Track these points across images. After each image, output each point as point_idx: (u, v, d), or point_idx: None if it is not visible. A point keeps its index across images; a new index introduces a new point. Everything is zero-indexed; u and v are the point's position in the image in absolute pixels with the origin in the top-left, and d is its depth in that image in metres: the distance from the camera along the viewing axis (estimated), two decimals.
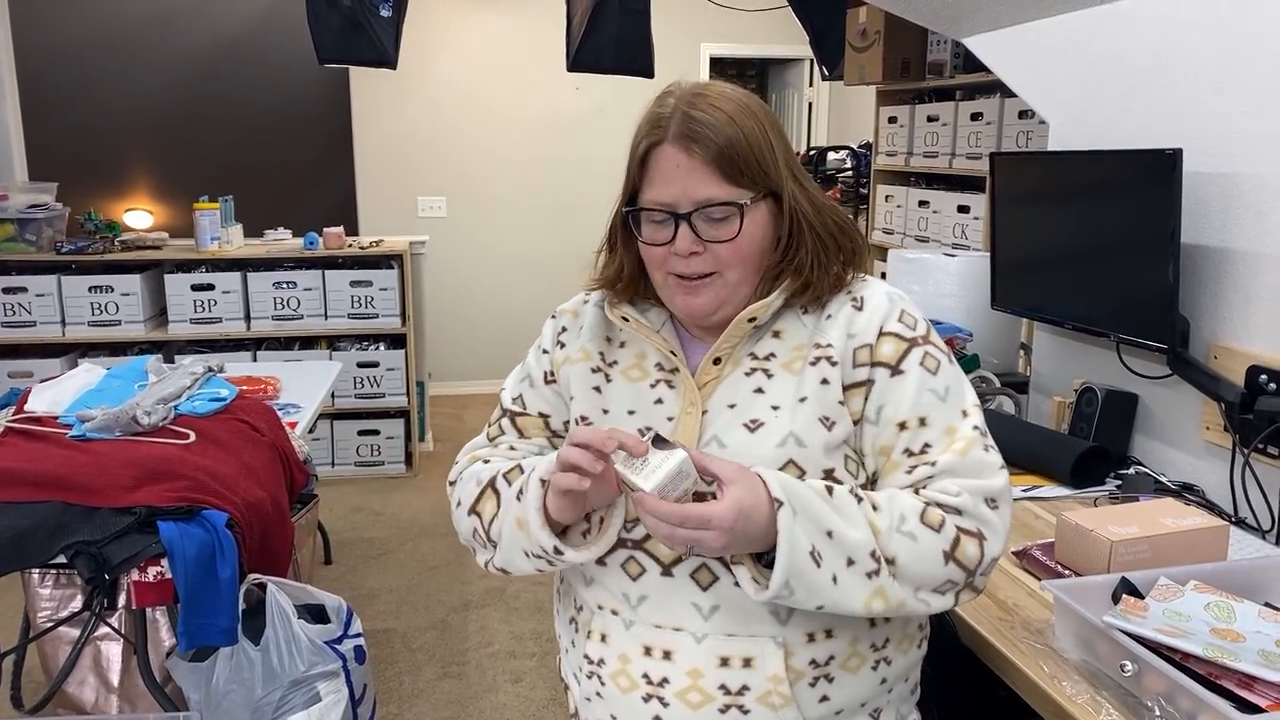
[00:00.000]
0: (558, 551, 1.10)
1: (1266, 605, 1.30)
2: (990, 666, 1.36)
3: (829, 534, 1.01)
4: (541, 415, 1.26)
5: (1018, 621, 1.40)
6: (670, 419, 1.14)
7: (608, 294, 1.23)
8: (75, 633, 2.38)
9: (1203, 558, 1.46)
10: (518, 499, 1.13)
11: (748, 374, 1.13)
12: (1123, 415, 2.03)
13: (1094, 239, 1.98)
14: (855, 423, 1.11)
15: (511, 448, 1.26)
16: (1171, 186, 1.74)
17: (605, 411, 1.18)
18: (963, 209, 3.77)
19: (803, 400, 1.10)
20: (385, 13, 3.93)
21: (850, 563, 1.01)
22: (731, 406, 1.12)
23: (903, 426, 1.10)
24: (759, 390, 1.12)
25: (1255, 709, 1.09)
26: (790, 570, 0.99)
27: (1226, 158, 1.78)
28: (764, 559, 1.04)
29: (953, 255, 2.68)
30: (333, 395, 4.34)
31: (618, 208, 1.19)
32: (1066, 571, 1.49)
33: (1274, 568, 1.41)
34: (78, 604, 2.39)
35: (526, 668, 2.97)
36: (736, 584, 1.07)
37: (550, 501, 1.09)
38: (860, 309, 1.13)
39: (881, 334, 1.11)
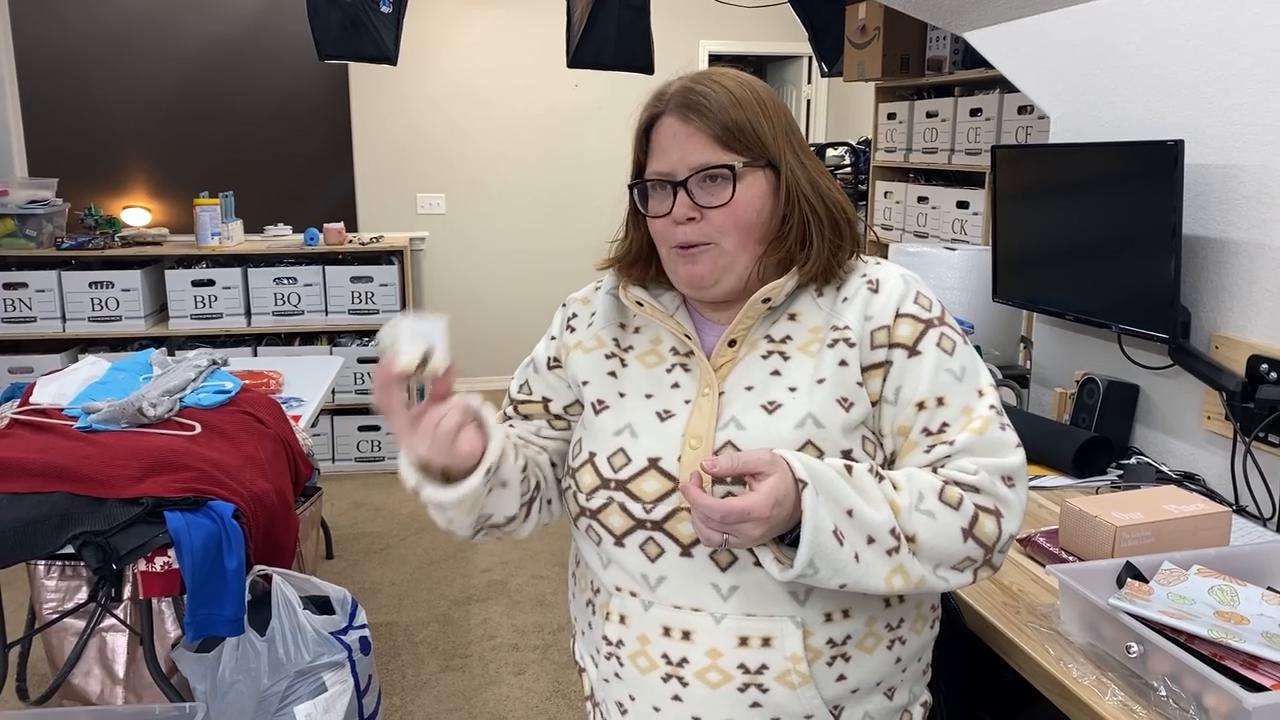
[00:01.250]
0: (417, 492, 1.11)
1: (1269, 589, 1.31)
2: (996, 651, 1.37)
3: (849, 513, 1.02)
4: (544, 399, 1.28)
5: (1023, 606, 1.41)
6: (687, 401, 1.15)
7: (621, 277, 1.24)
8: (81, 624, 2.39)
9: (1205, 543, 1.47)
10: None
11: (764, 356, 1.15)
12: (1124, 405, 2.04)
13: (1095, 231, 2.00)
14: (873, 404, 1.12)
15: (511, 426, 1.29)
16: (1173, 178, 1.76)
17: (621, 395, 1.19)
18: (962, 204, 3.78)
19: (820, 382, 1.11)
20: (386, 9, 3.93)
21: (871, 541, 1.02)
22: (749, 389, 1.13)
23: (921, 406, 1.11)
24: (776, 373, 1.13)
25: (1259, 688, 1.10)
26: (815, 549, 1.00)
27: (1227, 149, 1.80)
28: (786, 539, 1.05)
29: (953, 249, 2.70)
30: (333, 391, 4.34)
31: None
32: (1071, 557, 1.51)
33: (1275, 553, 1.43)
34: (83, 595, 2.40)
35: (529, 660, 2.98)
36: (757, 564, 1.08)
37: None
38: (876, 291, 1.15)
39: (898, 316, 1.13)
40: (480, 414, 1.12)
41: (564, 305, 1.31)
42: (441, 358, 1.05)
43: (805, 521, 0.99)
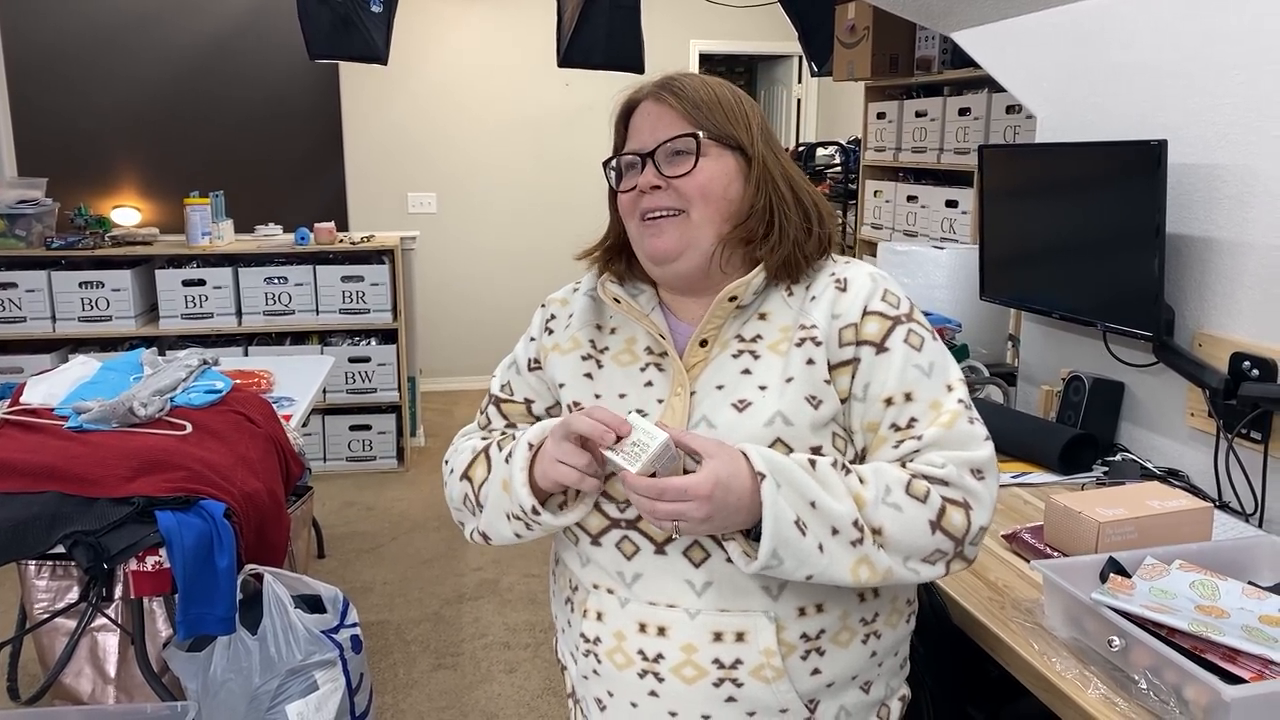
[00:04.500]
0: (535, 513, 1.13)
1: (1249, 583, 1.33)
2: (982, 646, 1.39)
3: (812, 504, 1.04)
4: (526, 401, 1.30)
5: (1008, 602, 1.43)
6: (660, 401, 1.17)
7: (602, 273, 1.27)
8: (72, 624, 2.39)
9: (1188, 538, 1.49)
10: (506, 462, 1.18)
11: (735, 356, 1.16)
12: (1109, 403, 2.06)
13: (1081, 230, 2.01)
14: (843, 401, 1.14)
15: (501, 434, 1.30)
16: (1157, 178, 1.78)
17: (597, 396, 1.21)
18: (951, 204, 3.80)
19: (789, 380, 1.13)
20: (376, 8, 3.93)
21: (835, 532, 1.04)
22: (720, 387, 1.15)
23: (889, 402, 1.13)
24: (746, 371, 1.15)
25: (1239, 680, 1.12)
26: (777, 539, 1.02)
27: (1210, 149, 1.82)
28: (753, 533, 1.07)
29: (941, 248, 2.71)
30: (324, 390, 4.35)
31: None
32: (1055, 553, 1.52)
33: (1256, 548, 1.44)
34: (74, 595, 2.40)
35: (520, 658, 2.99)
36: (728, 559, 1.10)
37: (536, 468, 1.13)
38: (844, 290, 1.16)
39: (866, 313, 1.15)
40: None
41: (543, 306, 1.33)
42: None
43: (765, 513, 1.01)
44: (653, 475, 1.04)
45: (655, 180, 1.16)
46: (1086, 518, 1.48)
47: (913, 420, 1.12)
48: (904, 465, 1.11)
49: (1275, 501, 1.70)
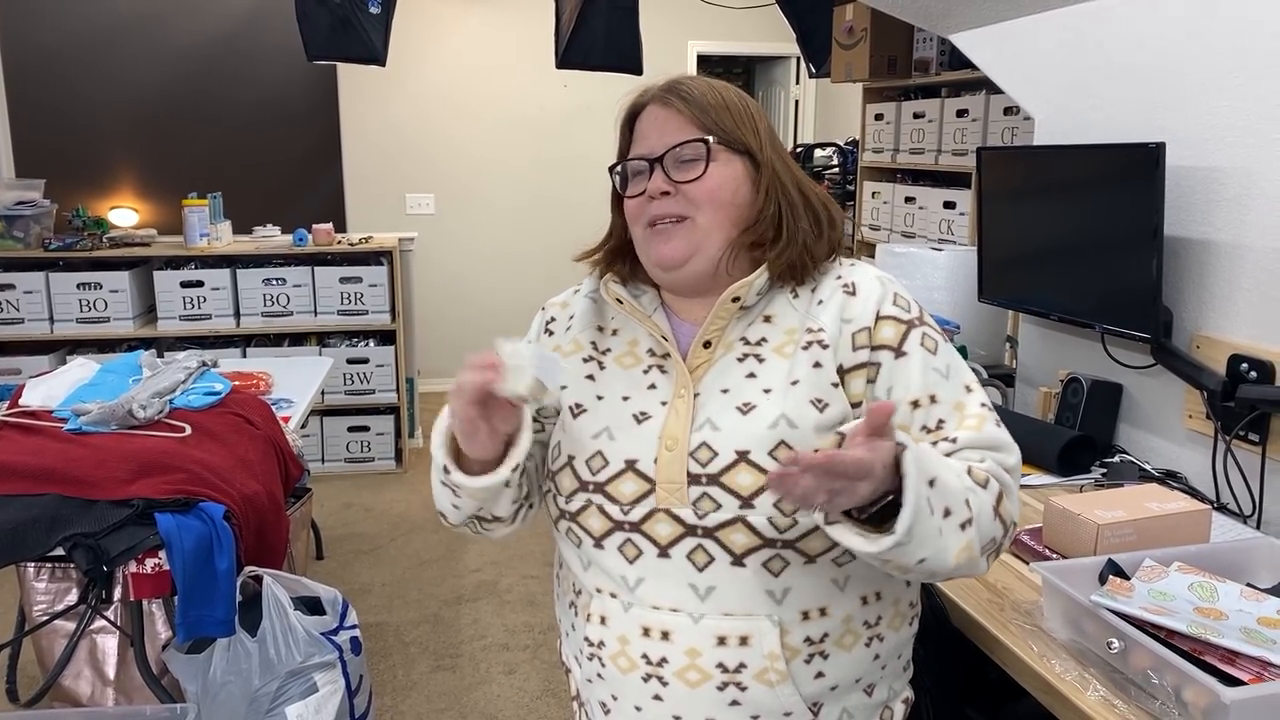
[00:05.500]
0: (447, 471, 1.12)
1: (1248, 585, 1.33)
2: (981, 648, 1.39)
3: (931, 482, 0.98)
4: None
5: (1007, 604, 1.43)
6: (664, 403, 1.17)
7: (604, 275, 1.27)
8: (71, 626, 2.39)
9: (1186, 540, 1.49)
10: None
11: (740, 359, 1.16)
12: (1108, 405, 2.06)
13: (1079, 232, 2.02)
14: (854, 405, 1.13)
15: None
16: (1155, 180, 1.78)
17: (599, 398, 1.20)
18: (949, 205, 3.81)
19: (795, 383, 1.12)
20: (374, 9, 3.93)
21: (947, 513, 1.00)
22: (724, 391, 1.14)
23: (915, 405, 1.12)
24: (751, 375, 1.15)
25: (1237, 682, 1.12)
26: (917, 515, 0.96)
27: (1208, 152, 1.82)
28: (861, 514, 1.01)
29: (940, 250, 2.72)
30: (322, 392, 4.35)
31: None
32: (1054, 555, 1.53)
33: (1255, 550, 1.45)
34: (73, 597, 2.40)
35: (520, 660, 2.99)
36: (734, 564, 1.09)
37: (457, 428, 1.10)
38: (853, 294, 1.16)
39: (879, 318, 1.14)
40: (522, 418, 1.12)
41: (542, 309, 1.33)
42: (550, 391, 1.06)
43: (907, 484, 0.95)
44: (542, 387, 1.02)
45: (664, 186, 1.16)
46: (1085, 520, 1.48)
47: (940, 422, 1.12)
48: None
49: (1273, 503, 1.70)
